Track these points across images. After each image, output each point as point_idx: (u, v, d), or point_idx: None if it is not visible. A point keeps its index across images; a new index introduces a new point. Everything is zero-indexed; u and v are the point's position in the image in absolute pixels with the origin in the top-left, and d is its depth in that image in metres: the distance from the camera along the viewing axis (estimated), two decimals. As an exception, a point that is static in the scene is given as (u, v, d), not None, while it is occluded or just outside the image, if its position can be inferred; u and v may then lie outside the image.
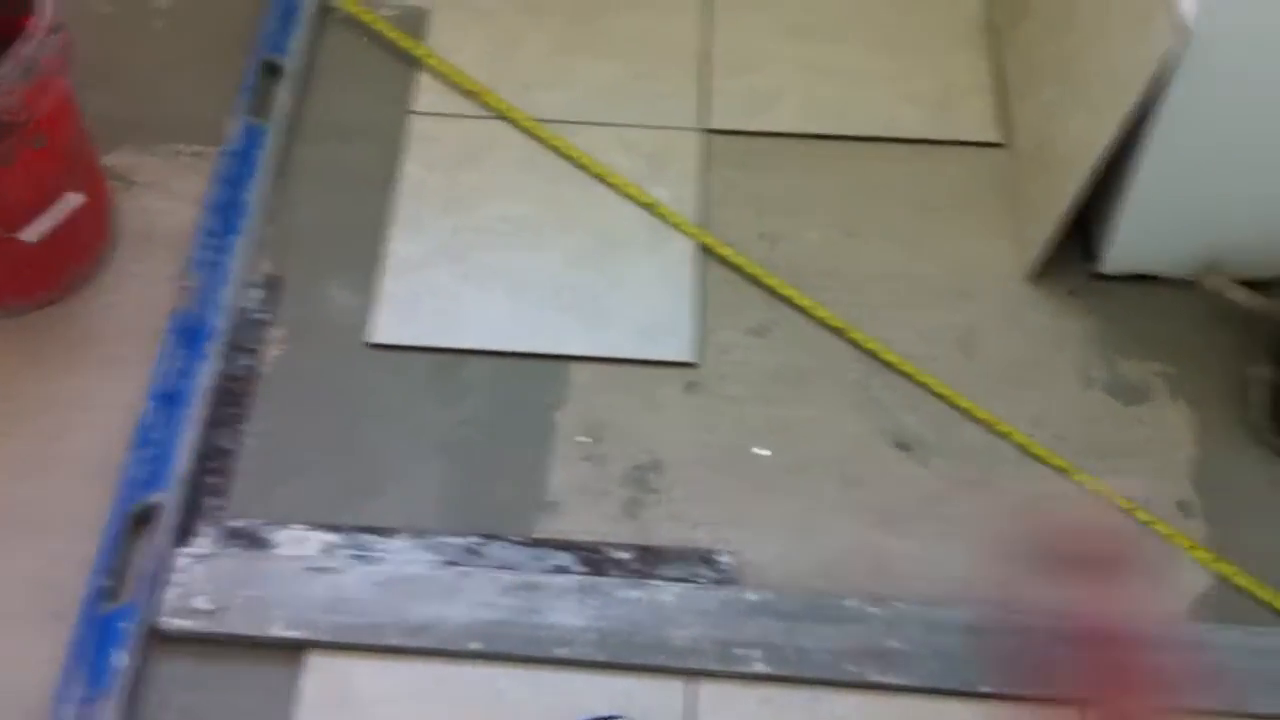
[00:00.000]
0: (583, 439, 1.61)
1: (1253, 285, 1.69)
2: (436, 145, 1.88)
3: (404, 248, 1.76)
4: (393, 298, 1.71)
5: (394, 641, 1.41)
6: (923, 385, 1.66)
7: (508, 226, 1.80)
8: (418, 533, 1.51)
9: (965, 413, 1.64)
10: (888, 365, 1.68)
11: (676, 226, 1.80)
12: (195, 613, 1.41)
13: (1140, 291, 1.75)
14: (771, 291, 1.74)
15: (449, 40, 1.99)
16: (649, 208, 1.82)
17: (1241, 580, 1.50)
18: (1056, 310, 1.74)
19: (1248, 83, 1.54)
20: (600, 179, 1.85)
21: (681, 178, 1.86)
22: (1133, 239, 1.72)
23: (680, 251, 1.78)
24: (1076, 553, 0.48)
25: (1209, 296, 1.70)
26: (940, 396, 1.65)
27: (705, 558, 1.51)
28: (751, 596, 1.46)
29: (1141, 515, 1.54)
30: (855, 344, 1.69)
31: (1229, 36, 1.48)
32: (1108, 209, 1.72)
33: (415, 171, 1.85)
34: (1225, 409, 1.64)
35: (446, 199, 1.82)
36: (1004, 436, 1.62)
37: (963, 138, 1.91)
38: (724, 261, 1.77)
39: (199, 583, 1.44)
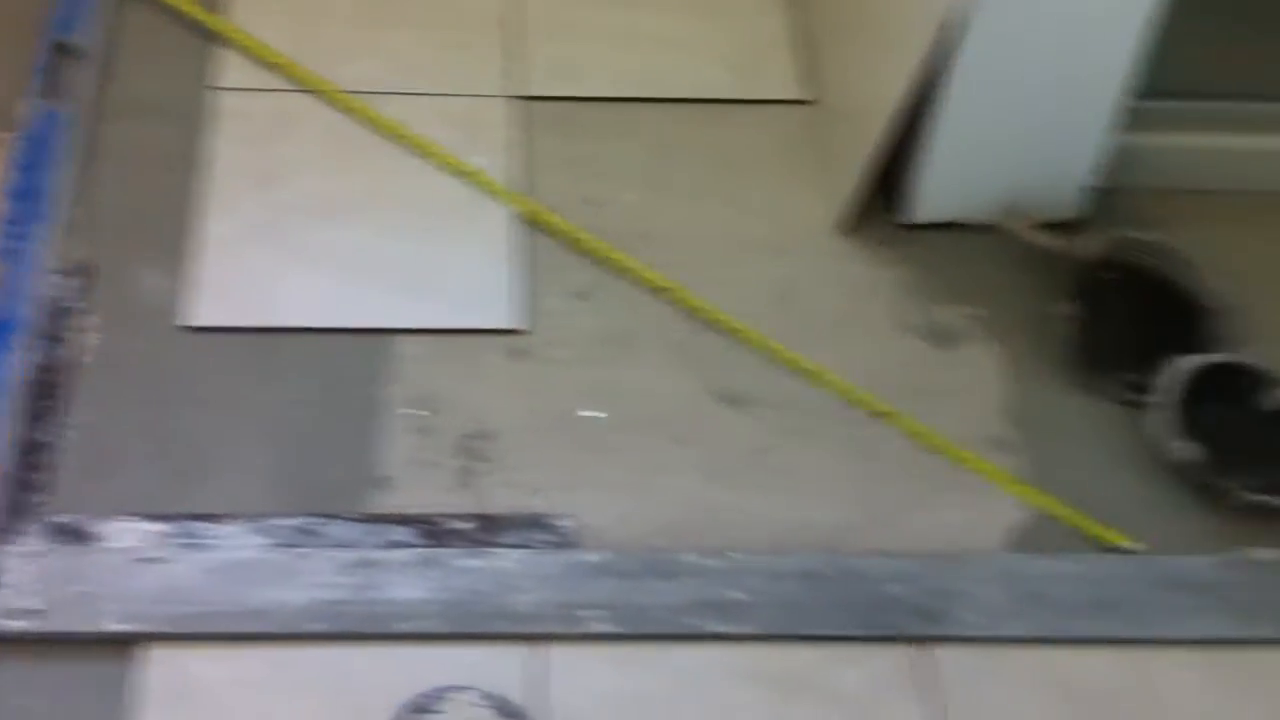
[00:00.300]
0: (412, 412, 1.60)
1: (1052, 226, 1.76)
2: (245, 121, 1.84)
3: (217, 227, 1.72)
4: (208, 279, 1.67)
5: (231, 629, 1.39)
6: (746, 341, 1.69)
7: (323, 201, 1.77)
8: (249, 517, 1.49)
9: (788, 365, 1.68)
10: (712, 323, 1.70)
11: (497, 195, 1.80)
12: (24, 613, 1.37)
13: (948, 238, 1.81)
14: (596, 255, 1.75)
15: (252, 14, 1.95)
16: (469, 177, 1.81)
17: (1057, 510, 1.56)
18: (869, 260, 1.79)
19: (1037, 29, 1.60)
20: (417, 150, 1.83)
21: (500, 146, 1.85)
22: (937, 187, 1.78)
23: (502, 219, 1.78)
24: None
25: (1012, 239, 1.76)
26: (763, 350, 1.68)
27: (544, 523, 1.52)
28: (592, 558, 1.48)
29: (957, 453, 1.60)
30: (680, 303, 1.72)
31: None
32: (912, 159, 1.78)
33: (225, 148, 1.81)
34: (1034, 346, 1.71)
35: (259, 175, 1.79)
36: (826, 386, 1.66)
37: (772, 96, 1.95)
38: (547, 227, 1.77)
39: (26, 582, 1.39)
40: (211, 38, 1.91)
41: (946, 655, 1.45)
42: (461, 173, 1.81)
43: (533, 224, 1.78)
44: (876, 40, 1.79)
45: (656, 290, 1.73)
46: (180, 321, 1.64)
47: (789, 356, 1.68)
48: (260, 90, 1.88)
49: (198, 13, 1.92)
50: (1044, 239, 1.75)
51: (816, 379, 1.66)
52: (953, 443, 1.62)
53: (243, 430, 1.56)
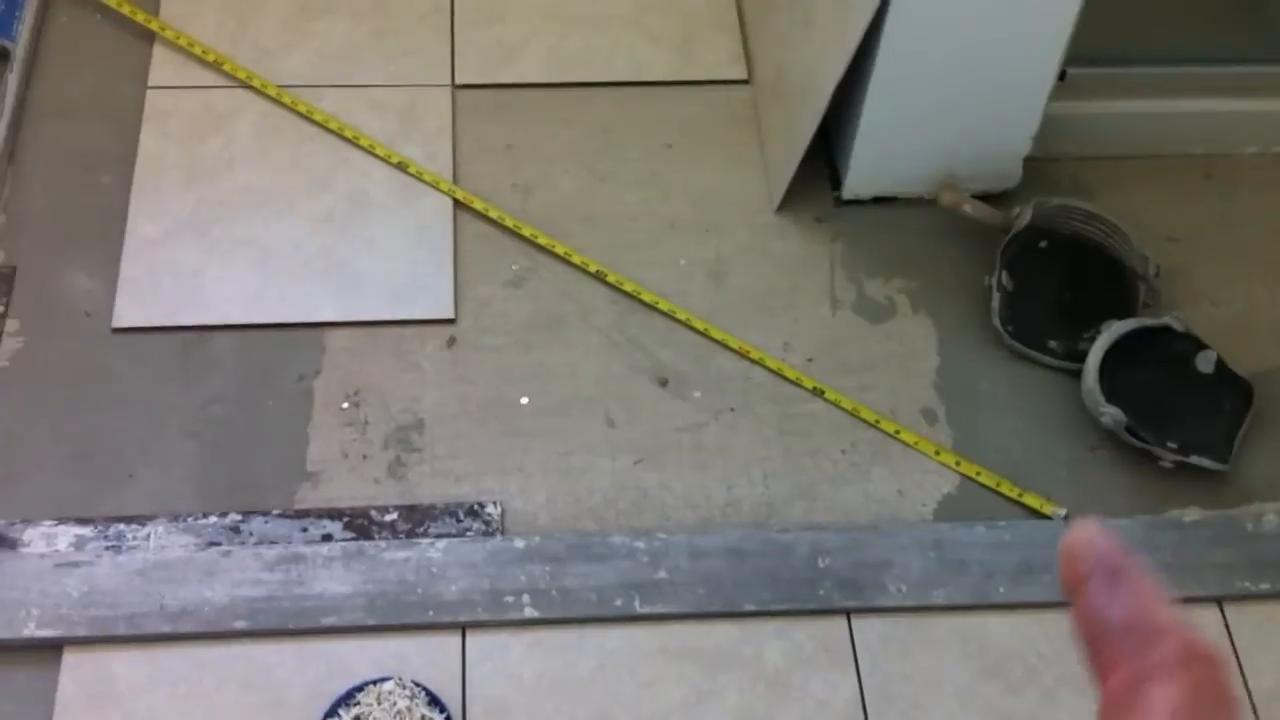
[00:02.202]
0: (343, 405, 1.60)
1: (985, 198, 1.75)
2: (175, 119, 1.83)
3: (144, 226, 1.72)
4: (134, 279, 1.67)
5: (153, 629, 1.39)
6: (678, 321, 1.69)
7: (253, 196, 1.77)
8: (174, 517, 1.49)
9: (719, 344, 1.67)
10: (644, 304, 1.70)
11: (429, 183, 1.79)
12: (-57, 621, 1.37)
13: (882, 213, 1.80)
14: (527, 241, 1.75)
15: (183, 10, 1.94)
16: (400, 166, 1.80)
17: (985, 478, 1.56)
18: (804, 237, 1.78)
19: (962, 3, 1.59)
20: (348, 141, 1.83)
21: (432, 134, 1.85)
22: (869, 163, 1.77)
23: (434, 209, 1.78)
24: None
25: (945, 212, 1.75)
26: (695, 330, 1.68)
27: (472, 510, 1.52)
28: (519, 544, 1.48)
29: (888, 425, 1.60)
30: (612, 286, 1.71)
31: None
32: (845, 136, 1.77)
33: (153, 146, 1.80)
34: (967, 318, 1.71)
35: (187, 173, 1.78)
36: (757, 363, 1.66)
37: (706, 77, 1.94)
38: (478, 215, 1.77)
39: (-56, 589, 1.39)
40: (143, 35, 1.90)
41: (871, 626, 1.45)
42: (392, 162, 1.80)
43: (464, 212, 1.77)
44: (810, 16, 1.77)
45: (590, 274, 1.72)
46: (105, 323, 1.63)
47: (720, 335, 1.67)
48: (192, 87, 1.87)
49: (128, 10, 1.91)
50: (977, 210, 1.74)
51: (748, 357, 1.66)
52: (883, 415, 1.61)
53: (168, 430, 1.56)
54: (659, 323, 1.69)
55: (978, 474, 1.56)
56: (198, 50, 1.89)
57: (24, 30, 1.87)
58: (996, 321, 1.68)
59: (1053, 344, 1.66)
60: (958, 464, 1.57)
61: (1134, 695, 0.41)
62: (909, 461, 1.58)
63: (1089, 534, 0.45)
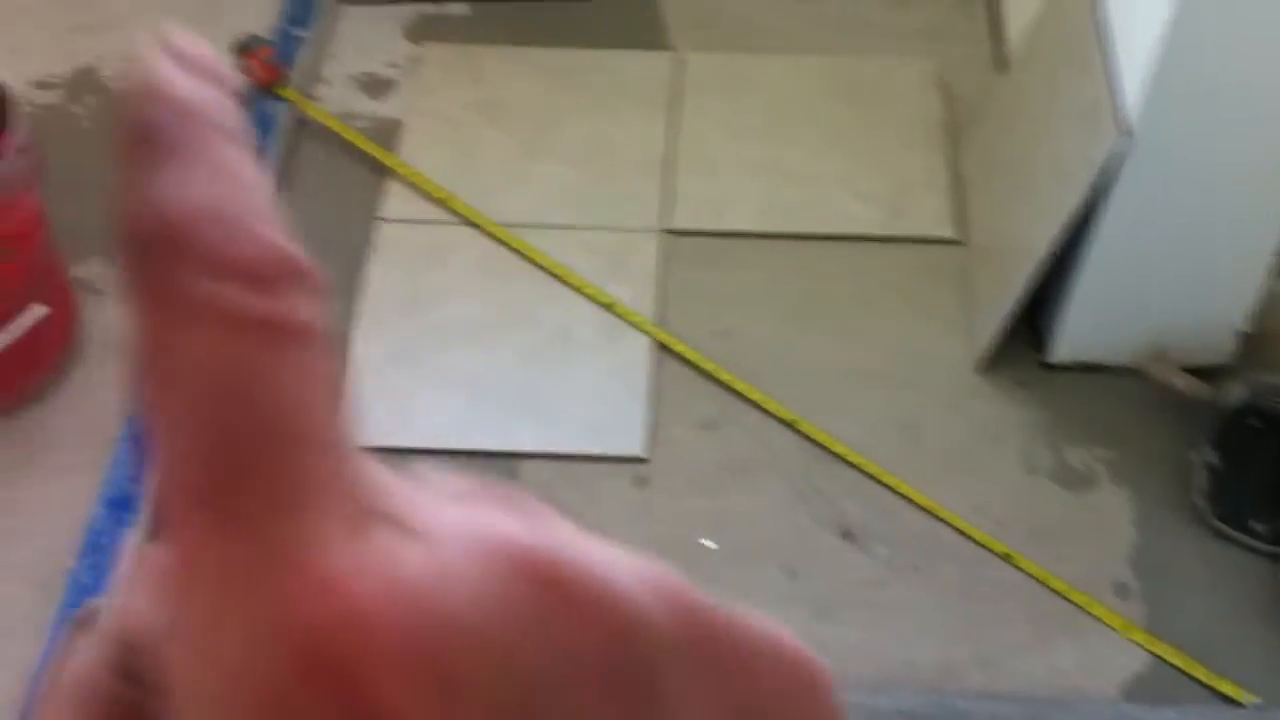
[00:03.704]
0: (531, 534, 1.64)
1: (1195, 372, 1.71)
2: (402, 251, 1.94)
3: (363, 350, 1.81)
4: (349, 401, 1.75)
5: None
6: (868, 474, 1.68)
7: (465, 327, 1.84)
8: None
9: (908, 500, 1.66)
10: (834, 455, 1.70)
11: (632, 324, 1.84)
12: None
13: (1087, 380, 1.77)
14: (724, 386, 1.78)
15: (418, 149, 2.06)
16: (606, 306, 1.86)
17: (1178, 661, 1.50)
18: (1003, 399, 1.77)
19: (1187, 178, 1.58)
20: (559, 279, 1.90)
21: (640, 277, 1.90)
22: (1079, 329, 1.75)
23: (635, 348, 1.82)
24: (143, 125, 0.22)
25: (1153, 384, 1.72)
26: (884, 485, 1.67)
27: (648, 649, 1.53)
28: (691, 687, 1.48)
29: (1078, 597, 1.56)
30: (804, 435, 1.72)
31: (1169, 134, 1.52)
32: (1055, 300, 1.76)
33: (379, 276, 1.90)
34: (1167, 494, 1.66)
35: (407, 302, 1.87)
36: (946, 523, 1.64)
37: (916, 234, 1.95)
38: (678, 357, 1.81)
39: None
40: (380, 170, 2.02)
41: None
42: (600, 302, 1.86)
43: (664, 353, 1.82)
44: (1030, 182, 1.78)
45: (783, 421, 1.74)
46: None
47: (910, 491, 1.66)
48: (420, 221, 1.97)
49: (370, 147, 2.04)
50: (1186, 384, 1.70)
51: (937, 516, 1.64)
52: (1074, 587, 1.57)
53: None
54: (848, 475, 1.69)
55: (1170, 654, 1.51)
56: (428, 187, 1.99)
57: (271, 160, 2.01)
58: (1199, 499, 1.62)
59: (1258, 527, 1.60)
60: (1149, 642, 1.52)
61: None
62: (1097, 636, 1.53)
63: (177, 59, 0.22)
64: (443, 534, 0.21)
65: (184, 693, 0.21)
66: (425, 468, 0.23)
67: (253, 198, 0.22)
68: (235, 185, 0.22)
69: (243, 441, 0.21)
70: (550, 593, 0.21)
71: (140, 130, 0.21)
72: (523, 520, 0.23)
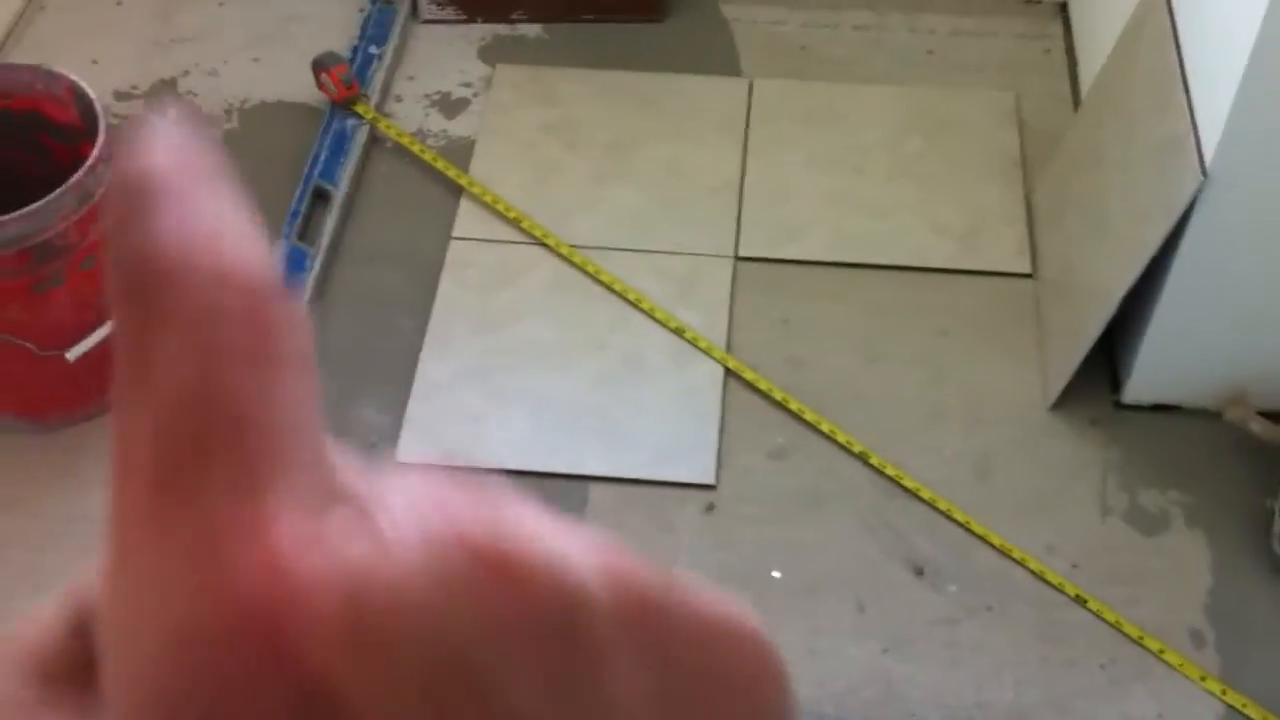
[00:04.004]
0: (599, 559, 1.63)
1: (1273, 417, 1.69)
2: (473, 269, 1.94)
3: (434, 369, 1.81)
4: (419, 418, 1.76)
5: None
6: (939, 511, 1.67)
7: (536, 348, 1.85)
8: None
9: (980, 538, 1.64)
10: (905, 490, 1.69)
11: (703, 350, 1.84)
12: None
13: (1162, 421, 1.76)
14: (793, 415, 1.77)
15: (491, 169, 2.06)
16: (676, 331, 1.86)
17: (1253, 712, 1.48)
18: (1076, 438, 1.75)
19: (1262, 220, 1.56)
20: (630, 303, 1.89)
21: (711, 303, 1.90)
22: (1154, 370, 1.73)
23: (705, 375, 1.82)
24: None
25: (1230, 427, 1.70)
26: (956, 522, 1.66)
27: (714, 679, 1.52)
28: None
29: (1152, 643, 1.54)
30: (874, 468, 1.71)
31: (1246, 175, 1.50)
32: (1130, 340, 1.74)
33: (451, 294, 1.91)
34: (1243, 540, 1.64)
35: (479, 321, 1.88)
36: (1019, 563, 1.62)
37: (988, 268, 1.94)
38: (748, 385, 1.80)
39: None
40: (453, 189, 2.03)
41: None
42: (670, 327, 1.86)
43: (734, 380, 1.81)
44: (1105, 220, 1.76)
45: (853, 454, 1.73)
46: (387, 456, 1.72)
47: (982, 530, 1.65)
48: (491, 241, 1.98)
49: (443, 166, 2.04)
50: (1264, 428, 1.68)
51: (1010, 556, 1.63)
52: (1147, 632, 1.55)
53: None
54: (919, 510, 1.68)
55: (1244, 705, 1.48)
56: (500, 207, 2.00)
57: (345, 177, 2.02)
58: (1277, 547, 1.60)
59: (1338, 578, 1.58)
60: (1224, 693, 1.50)
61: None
62: (1171, 684, 1.51)
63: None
64: (394, 515, 0.22)
65: (118, 654, 0.22)
66: (398, 470, 0.24)
67: (236, 227, 0.24)
68: (219, 217, 0.24)
69: (205, 426, 0.22)
70: (488, 568, 0.22)
71: (132, 181, 0.23)
72: (477, 502, 0.24)
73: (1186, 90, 1.58)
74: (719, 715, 0.26)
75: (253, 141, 2.10)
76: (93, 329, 1.66)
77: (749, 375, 1.80)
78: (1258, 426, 1.68)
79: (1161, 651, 1.53)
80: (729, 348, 1.84)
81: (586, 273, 1.93)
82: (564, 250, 1.95)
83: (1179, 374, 1.74)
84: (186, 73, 2.19)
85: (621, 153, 2.09)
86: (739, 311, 1.89)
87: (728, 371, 1.82)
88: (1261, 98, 1.43)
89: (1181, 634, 1.56)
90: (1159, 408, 1.76)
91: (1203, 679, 1.51)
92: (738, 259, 1.96)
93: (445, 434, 1.75)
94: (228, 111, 2.14)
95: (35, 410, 1.77)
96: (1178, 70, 1.61)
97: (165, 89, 2.17)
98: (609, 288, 1.91)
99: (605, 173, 2.06)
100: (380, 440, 1.74)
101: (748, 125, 2.12)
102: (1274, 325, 1.67)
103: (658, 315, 1.88)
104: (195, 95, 2.16)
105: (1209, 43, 1.53)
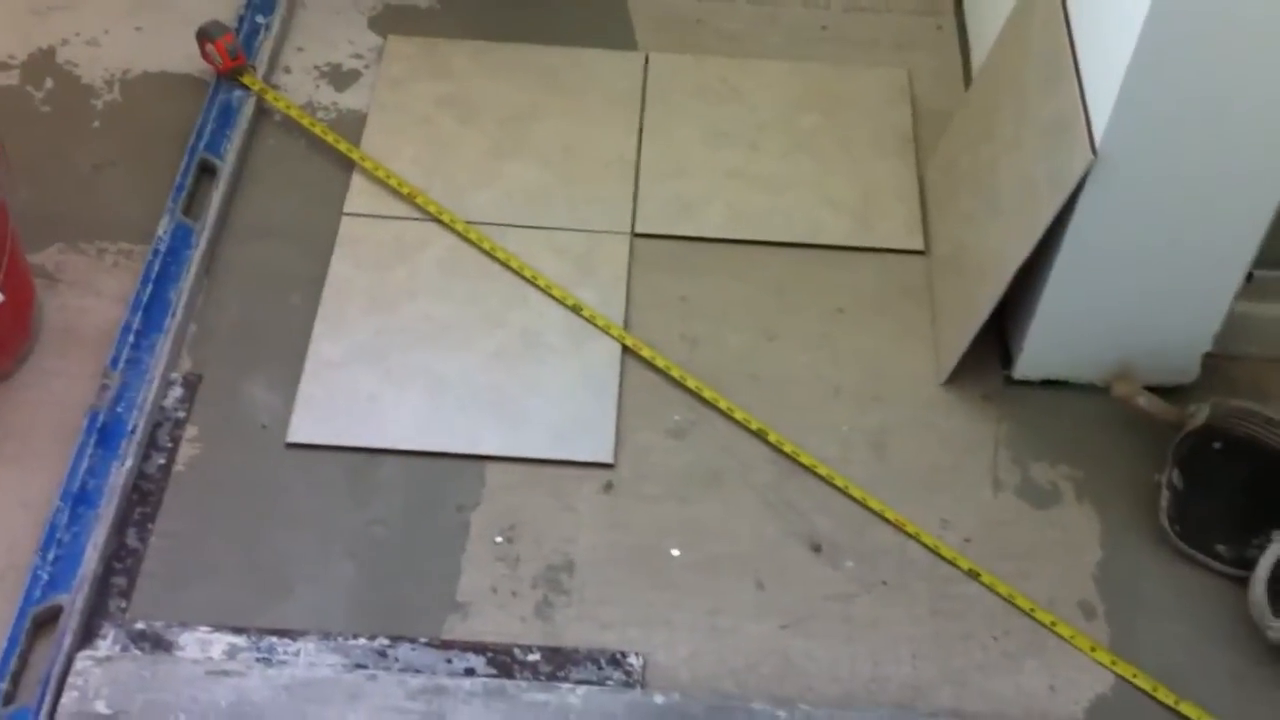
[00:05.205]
0: (496, 539, 1.62)
1: (1159, 391, 1.72)
2: (366, 246, 1.90)
3: (326, 347, 1.78)
4: (311, 397, 1.73)
5: (295, 745, 1.41)
6: (836, 487, 1.68)
7: (431, 326, 1.82)
8: (325, 635, 1.52)
9: (877, 514, 1.66)
10: (803, 467, 1.70)
11: (600, 327, 1.82)
12: (94, 717, 1.41)
13: (1052, 396, 1.78)
14: (691, 393, 1.76)
15: (384, 143, 2.03)
16: (574, 309, 1.84)
17: (1141, 681, 1.51)
18: (969, 414, 1.77)
19: (1151, 198, 1.58)
20: (527, 280, 1.87)
21: (608, 280, 1.89)
22: (1044, 346, 1.76)
23: (603, 353, 1.81)
24: None
25: (1119, 402, 1.72)
26: (853, 498, 1.67)
27: (615, 660, 1.52)
28: (658, 699, 1.47)
29: (1044, 616, 1.56)
30: (772, 446, 1.71)
31: (1135, 155, 1.52)
32: (1021, 316, 1.76)
33: (343, 271, 1.87)
34: (1132, 513, 1.67)
35: (372, 299, 1.84)
36: (914, 538, 1.64)
37: (883, 245, 1.95)
38: (645, 363, 1.79)
39: (98, 686, 1.43)
40: (344, 164, 1.99)
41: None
42: (567, 304, 1.84)
43: (632, 358, 1.80)
44: (997, 198, 1.78)
45: (752, 431, 1.73)
46: (280, 437, 1.69)
47: (878, 506, 1.66)
48: (384, 217, 1.94)
49: (333, 140, 2.00)
50: (1151, 404, 1.71)
51: (905, 531, 1.64)
52: (1040, 605, 1.57)
53: (328, 548, 1.60)
54: (816, 487, 1.69)
55: (1134, 676, 1.52)
56: (394, 182, 1.96)
57: (232, 150, 1.97)
58: (1164, 520, 1.63)
59: (1221, 549, 1.61)
60: (1114, 663, 1.53)
61: None
62: (1063, 655, 1.54)
63: None
64: None
65: None
66: None
67: None
68: None
69: None
70: None
71: None
72: None
73: (1077, 69, 1.60)
74: None
75: (135, 114, 2.04)
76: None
77: (647, 353, 1.80)
78: (1145, 401, 1.71)
79: (1053, 624, 1.56)
80: (627, 325, 1.83)
81: (482, 249, 1.91)
82: (459, 227, 1.93)
83: (1069, 350, 1.76)
84: (65, 41, 2.12)
85: (517, 127, 2.07)
86: (637, 289, 1.88)
87: (625, 349, 1.81)
88: (1150, 77, 1.45)
89: (1072, 606, 1.58)
90: (1049, 383, 1.79)
91: (1093, 650, 1.54)
92: (635, 235, 1.95)
93: (338, 414, 1.72)
94: (109, 82, 2.07)
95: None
96: (1068, 49, 1.62)
97: (43, 59, 2.10)
98: (505, 265, 1.89)
99: (501, 148, 2.04)
100: (272, 421, 1.70)
101: (643, 100, 2.11)
102: (1161, 302, 1.70)
103: (555, 292, 1.86)
104: (75, 65, 2.09)
105: (1099, 22, 1.55)
